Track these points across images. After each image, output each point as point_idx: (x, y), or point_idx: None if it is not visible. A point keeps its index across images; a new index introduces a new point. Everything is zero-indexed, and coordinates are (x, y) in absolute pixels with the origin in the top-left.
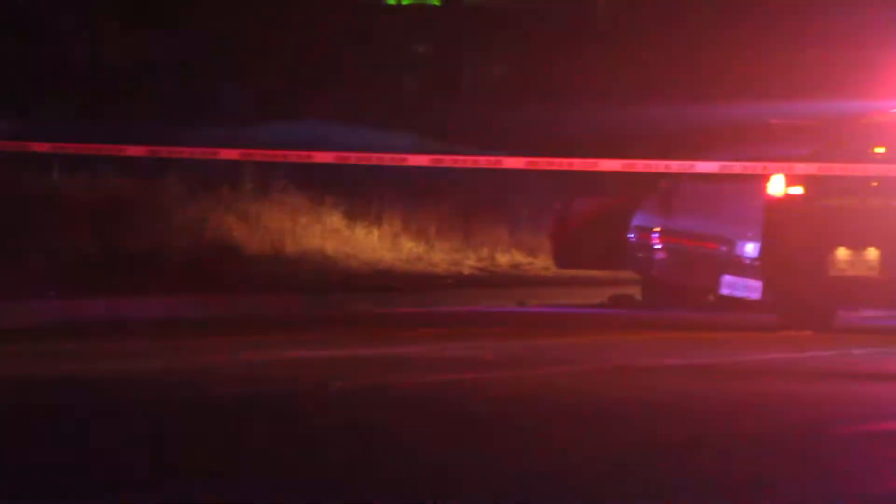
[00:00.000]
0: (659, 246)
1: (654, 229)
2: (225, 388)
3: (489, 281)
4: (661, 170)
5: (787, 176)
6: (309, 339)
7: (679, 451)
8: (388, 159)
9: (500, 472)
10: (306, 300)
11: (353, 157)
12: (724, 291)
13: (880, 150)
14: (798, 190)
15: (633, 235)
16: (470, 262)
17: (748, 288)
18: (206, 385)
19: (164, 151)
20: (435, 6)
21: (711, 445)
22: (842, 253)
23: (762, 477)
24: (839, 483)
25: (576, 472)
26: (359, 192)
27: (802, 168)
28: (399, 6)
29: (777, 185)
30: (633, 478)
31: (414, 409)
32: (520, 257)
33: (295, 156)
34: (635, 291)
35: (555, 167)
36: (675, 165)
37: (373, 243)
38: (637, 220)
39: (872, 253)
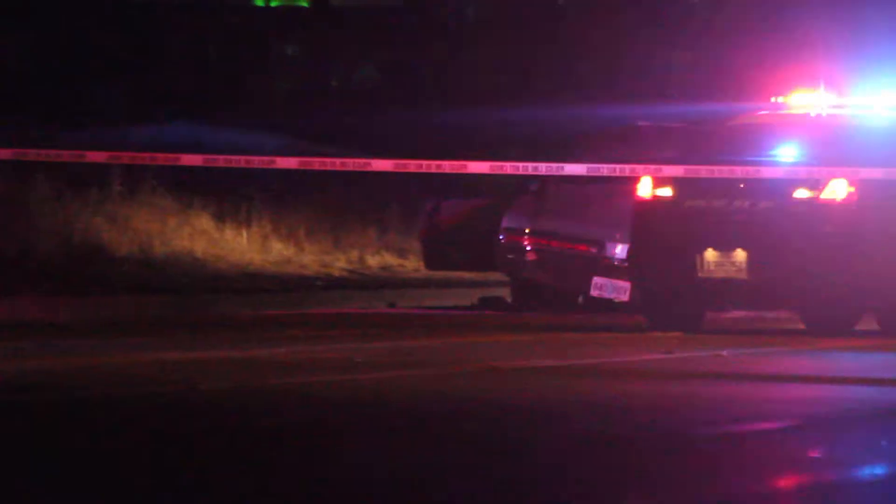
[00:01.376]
0: (529, 248)
1: (525, 231)
2: (91, 390)
3: (359, 283)
4: (530, 172)
5: (654, 178)
6: (175, 341)
7: (530, 451)
8: (257, 161)
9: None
10: (175, 302)
11: (221, 160)
12: (594, 293)
13: (749, 150)
14: (666, 192)
15: (502, 237)
16: (340, 264)
17: (617, 289)
18: (72, 387)
19: (31, 154)
20: (304, 7)
21: (573, 446)
22: (710, 254)
23: (628, 478)
24: (705, 484)
25: (370, 482)
26: (228, 194)
27: (670, 170)
28: (268, 7)
29: (645, 187)
30: (460, 483)
31: (271, 411)
32: (390, 259)
33: (163, 158)
34: (505, 293)
35: (423, 170)
36: (544, 168)
37: (242, 245)
38: (506, 222)
39: (740, 254)
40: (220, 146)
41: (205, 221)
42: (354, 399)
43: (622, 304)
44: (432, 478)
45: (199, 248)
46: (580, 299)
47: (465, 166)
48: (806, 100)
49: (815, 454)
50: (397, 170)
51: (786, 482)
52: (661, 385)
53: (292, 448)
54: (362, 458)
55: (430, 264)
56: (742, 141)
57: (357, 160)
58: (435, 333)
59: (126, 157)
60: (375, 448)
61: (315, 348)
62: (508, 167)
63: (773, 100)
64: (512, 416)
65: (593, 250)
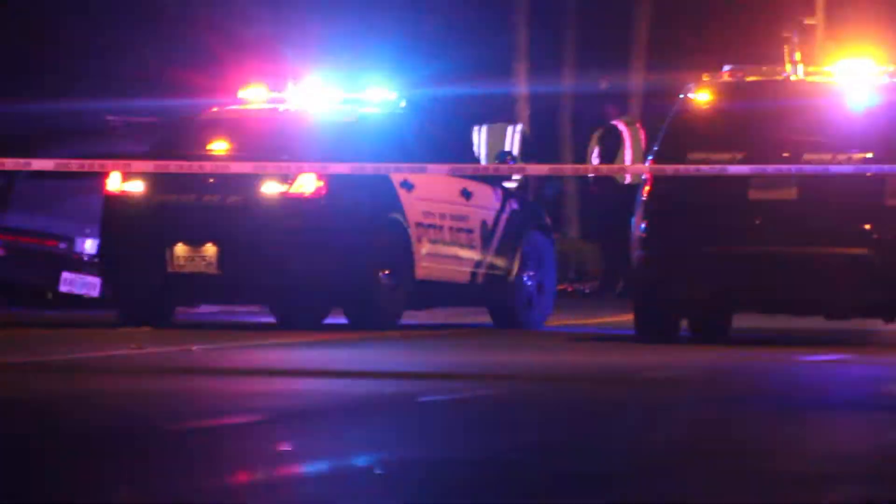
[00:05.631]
0: None
1: None
2: None
3: None
4: None
5: (123, 173)
6: None
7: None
8: None
9: None
10: None
11: None
12: (64, 288)
13: (219, 145)
14: (136, 186)
15: None
16: None
17: (87, 285)
18: None
19: None
20: None
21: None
22: (180, 249)
23: (82, 475)
24: (172, 479)
25: None
26: None
27: (140, 165)
28: None
29: (114, 182)
30: None
31: None
32: None
33: None
34: None
35: None
36: (10, 163)
37: None
38: None
39: (210, 249)
40: None
41: None
42: None
43: (93, 299)
44: None
45: None
46: (49, 295)
47: None
48: (280, 94)
49: (283, 447)
50: None
51: (254, 476)
52: (130, 380)
53: None
54: None
55: None
56: (213, 135)
57: None
58: None
59: None
60: None
61: None
62: None
63: (241, 93)
64: None
65: (63, 246)
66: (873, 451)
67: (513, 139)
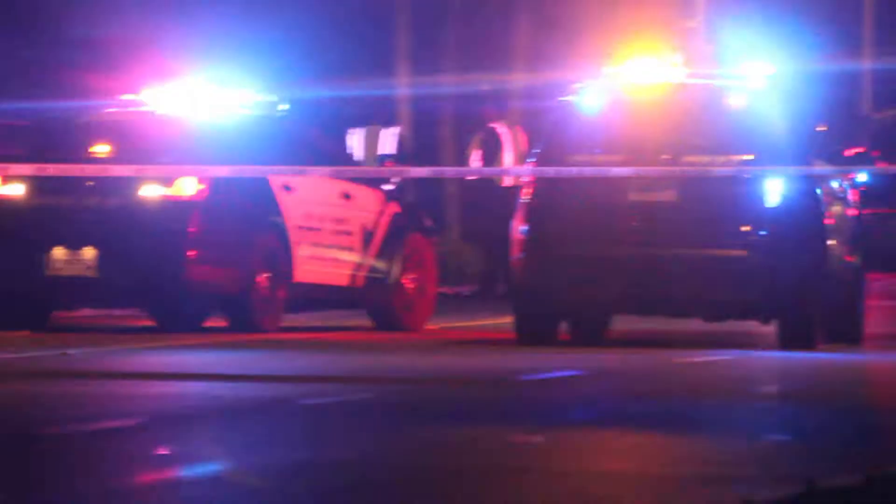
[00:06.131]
0: None
1: None
2: None
3: None
4: None
5: (2, 176)
6: None
7: None
8: None
9: None
10: None
11: None
12: None
13: (99, 148)
14: (14, 189)
15: None
16: None
17: None
18: None
19: None
20: None
21: None
22: (59, 252)
23: None
24: (53, 483)
25: None
26: None
27: (18, 169)
28: None
29: None
30: None
31: None
32: None
33: None
34: None
35: None
36: None
37: None
38: None
39: (89, 252)
40: None
41: None
42: None
43: None
44: None
45: None
46: None
47: None
48: (156, 96)
49: (161, 451)
50: None
51: (131, 480)
52: (5, 385)
53: None
54: None
55: None
56: (92, 138)
57: None
58: None
59: None
60: None
61: None
62: None
63: (126, 97)
64: None
65: None
66: (748, 450)
67: (389, 141)
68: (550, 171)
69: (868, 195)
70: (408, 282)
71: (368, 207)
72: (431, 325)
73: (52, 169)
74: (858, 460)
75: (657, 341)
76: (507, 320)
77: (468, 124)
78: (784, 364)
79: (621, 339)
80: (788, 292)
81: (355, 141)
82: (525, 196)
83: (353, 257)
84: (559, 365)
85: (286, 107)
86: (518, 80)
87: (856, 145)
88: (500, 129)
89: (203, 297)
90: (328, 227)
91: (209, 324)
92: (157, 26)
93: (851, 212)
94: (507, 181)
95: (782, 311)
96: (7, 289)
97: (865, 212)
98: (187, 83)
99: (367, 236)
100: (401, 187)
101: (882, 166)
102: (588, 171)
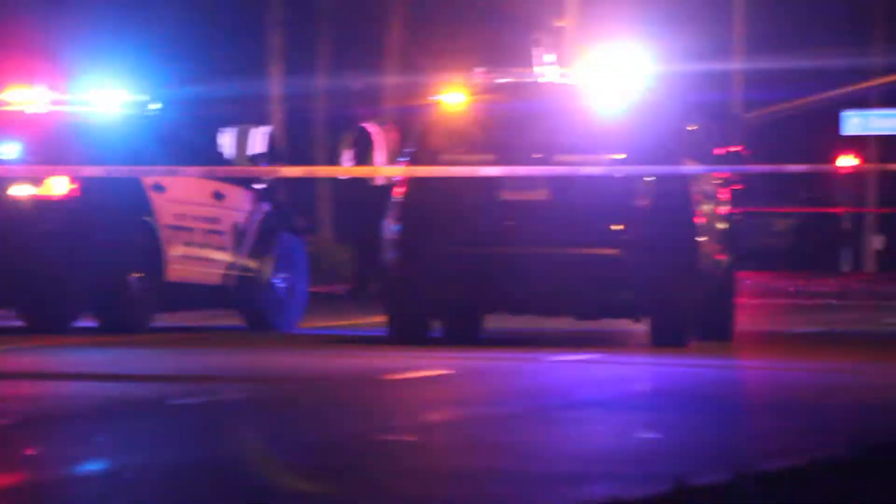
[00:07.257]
0: None
1: None
2: None
3: None
4: None
5: None
6: None
7: None
8: None
9: None
10: None
11: None
12: None
13: None
14: None
15: None
16: None
17: None
18: None
19: None
20: None
21: None
22: None
23: None
24: None
25: None
26: None
27: None
28: None
29: None
30: None
31: None
32: None
33: None
34: None
35: None
36: None
37: None
38: None
39: None
40: None
41: None
42: None
43: None
44: None
45: None
46: None
47: None
48: (23, 96)
49: (32, 452)
50: None
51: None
52: None
53: None
54: None
55: None
56: None
57: None
58: None
59: None
60: None
61: None
62: None
63: None
64: None
65: None
66: (619, 449)
67: (259, 140)
68: (422, 170)
69: (740, 194)
70: (280, 281)
71: (240, 207)
72: (304, 325)
73: None
74: (728, 459)
75: (530, 340)
76: (379, 320)
77: (340, 124)
78: (655, 362)
79: (493, 339)
80: (659, 291)
81: (227, 140)
82: (397, 195)
83: (225, 257)
84: (430, 364)
85: (158, 106)
86: (390, 79)
87: (728, 145)
88: (372, 128)
89: (74, 297)
90: (200, 226)
91: (80, 324)
92: (24, 24)
93: (723, 210)
94: (380, 180)
95: (654, 310)
96: None
97: (737, 210)
98: (55, 82)
99: (239, 236)
100: (273, 187)
101: (753, 166)
102: (459, 170)
